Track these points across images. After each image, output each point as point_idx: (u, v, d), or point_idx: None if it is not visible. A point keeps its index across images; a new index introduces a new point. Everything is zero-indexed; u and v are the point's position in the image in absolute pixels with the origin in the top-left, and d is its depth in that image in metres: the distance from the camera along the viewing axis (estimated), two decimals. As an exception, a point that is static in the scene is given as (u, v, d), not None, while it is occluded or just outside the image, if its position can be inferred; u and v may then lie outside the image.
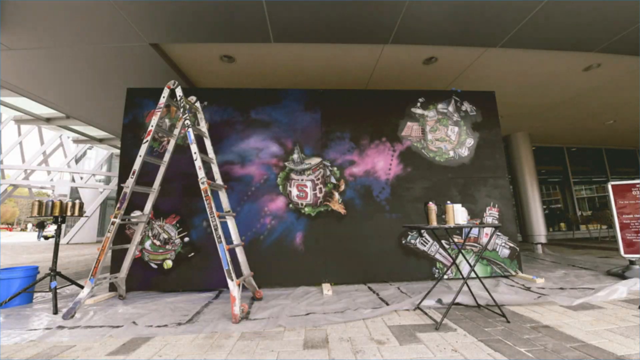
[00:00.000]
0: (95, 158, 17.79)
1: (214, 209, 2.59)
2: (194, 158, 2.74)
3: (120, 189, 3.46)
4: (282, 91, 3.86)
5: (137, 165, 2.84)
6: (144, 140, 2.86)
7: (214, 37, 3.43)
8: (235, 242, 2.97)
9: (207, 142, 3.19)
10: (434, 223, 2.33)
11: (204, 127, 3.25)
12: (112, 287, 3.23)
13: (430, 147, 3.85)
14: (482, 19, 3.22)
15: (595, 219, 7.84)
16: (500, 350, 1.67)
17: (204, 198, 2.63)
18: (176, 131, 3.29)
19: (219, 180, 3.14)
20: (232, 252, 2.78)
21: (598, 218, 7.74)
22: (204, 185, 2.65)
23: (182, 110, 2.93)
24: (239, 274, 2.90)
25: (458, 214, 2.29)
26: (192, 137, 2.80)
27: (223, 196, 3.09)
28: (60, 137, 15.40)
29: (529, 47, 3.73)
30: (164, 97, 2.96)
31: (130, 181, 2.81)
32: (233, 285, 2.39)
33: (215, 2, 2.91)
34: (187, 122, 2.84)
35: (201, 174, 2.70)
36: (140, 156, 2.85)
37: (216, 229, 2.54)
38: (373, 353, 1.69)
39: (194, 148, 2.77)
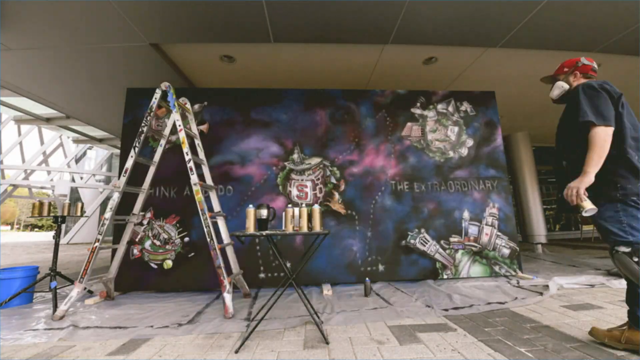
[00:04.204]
0: (95, 158, 17.80)
1: (205, 210, 2.70)
2: (186, 160, 2.82)
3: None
4: (282, 91, 3.86)
5: (129, 164, 2.86)
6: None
7: (214, 37, 3.43)
8: (225, 242, 3.04)
9: (198, 143, 3.29)
10: (252, 230, 2.06)
11: (194, 128, 3.32)
12: (114, 288, 3.23)
13: (430, 147, 3.85)
14: (482, 19, 3.22)
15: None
16: (500, 350, 1.67)
17: (196, 199, 2.73)
18: (166, 131, 3.30)
19: (209, 181, 3.23)
20: (223, 252, 2.83)
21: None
22: (196, 187, 2.74)
23: (174, 112, 2.97)
24: (229, 272, 2.96)
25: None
26: (184, 138, 2.88)
27: (214, 197, 3.18)
28: (60, 137, 15.40)
29: (529, 47, 3.73)
30: (155, 98, 2.99)
31: (123, 180, 2.82)
32: (226, 282, 2.52)
33: (215, 2, 2.91)
34: (179, 123, 2.91)
35: (192, 174, 2.80)
36: (131, 157, 2.87)
37: (208, 229, 2.66)
38: (373, 353, 1.69)
39: (185, 149, 2.85)
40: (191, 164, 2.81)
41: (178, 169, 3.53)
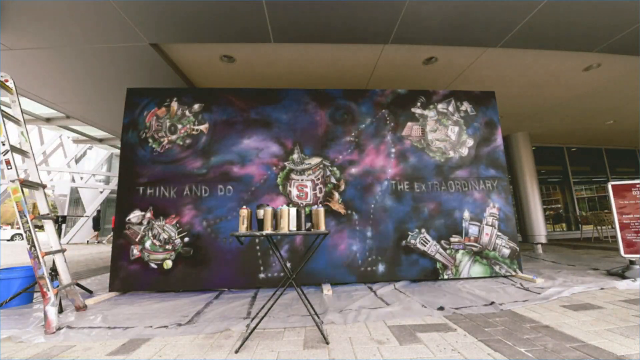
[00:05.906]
0: (95, 158, 17.80)
1: (26, 212, 2.32)
2: (1, 151, 2.32)
3: (120, 188, 3.47)
4: (282, 91, 3.86)
5: None
6: None
7: (214, 37, 3.42)
8: (54, 248, 2.68)
9: (22, 132, 2.74)
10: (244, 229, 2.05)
11: (17, 112, 2.73)
12: (113, 287, 3.24)
13: (431, 147, 3.85)
14: (482, 19, 3.22)
15: (595, 218, 7.85)
16: (500, 350, 1.67)
17: (13, 199, 2.33)
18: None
19: (35, 177, 2.69)
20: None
21: (595, 218, 7.78)
22: (14, 185, 2.30)
23: None
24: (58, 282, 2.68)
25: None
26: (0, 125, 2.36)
27: (40, 197, 2.68)
28: (60, 137, 15.40)
29: (529, 47, 3.73)
30: None
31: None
32: (51, 294, 2.25)
33: (215, 2, 2.91)
34: None
35: (10, 169, 2.34)
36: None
37: (28, 233, 2.29)
38: (373, 353, 1.69)
39: (1, 137, 2.36)
40: (9, 156, 2.33)
41: (178, 168, 3.54)
